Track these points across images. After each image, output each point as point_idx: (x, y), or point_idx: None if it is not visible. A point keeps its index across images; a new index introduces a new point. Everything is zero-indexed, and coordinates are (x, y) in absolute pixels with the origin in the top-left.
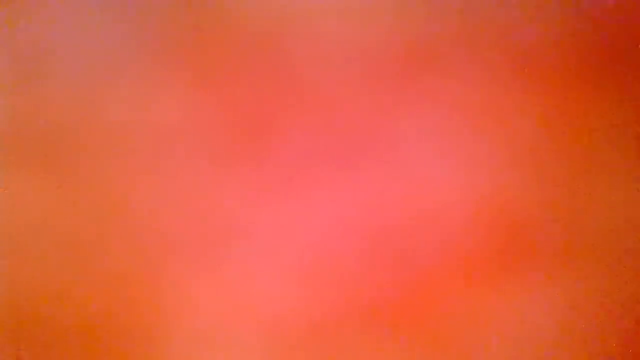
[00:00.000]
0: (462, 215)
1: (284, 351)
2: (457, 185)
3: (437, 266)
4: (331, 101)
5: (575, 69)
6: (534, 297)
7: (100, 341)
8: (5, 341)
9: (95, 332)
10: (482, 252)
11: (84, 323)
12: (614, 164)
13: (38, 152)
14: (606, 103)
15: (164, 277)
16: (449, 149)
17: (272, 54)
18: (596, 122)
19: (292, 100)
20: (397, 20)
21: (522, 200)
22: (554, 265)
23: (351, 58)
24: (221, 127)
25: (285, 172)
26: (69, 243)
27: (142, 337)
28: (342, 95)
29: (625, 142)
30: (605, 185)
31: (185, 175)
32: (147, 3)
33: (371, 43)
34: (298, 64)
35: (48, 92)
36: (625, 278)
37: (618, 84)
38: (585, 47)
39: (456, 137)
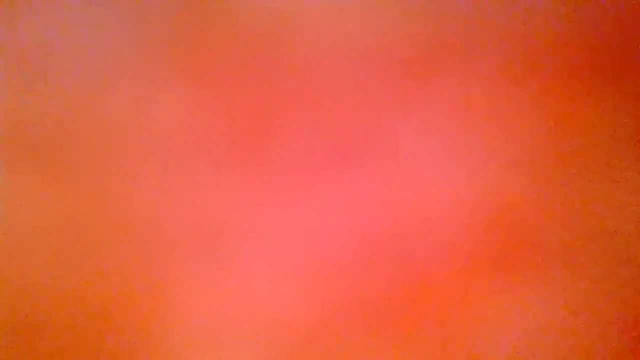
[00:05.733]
0: (463, 216)
1: (284, 351)
2: (457, 186)
3: (437, 267)
4: (332, 102)
5: (575, 70)
6: (534, 297)
7: (100, 341)
8: (5, 341)
9: (95, 332)
10: (482, 253)
11: (84, 323)
12: (614, 164)
13: (38, 152)
14: (606, 104)
15: (163, 278)
16: (450, 150)
17: (272, 54)
18: (596, 122)
19: (292, 101)
20: (398, 21)
21: (522, 201)
22: (554, 265)
23: (352, 59)
24: (221, 128)
25: (285, 173)
26: (68, 243)
27: (142, 337)
28: (343, 96)
29: (625, 142)
30: (605, 185)
31: (185, 176)
32: (148, 4)
33: (372, 44)
34: (299, 64)
35: (48, 93)
36: (625, 278)
37: (618, 84)
38: (585, 48)
39: (456, 138)
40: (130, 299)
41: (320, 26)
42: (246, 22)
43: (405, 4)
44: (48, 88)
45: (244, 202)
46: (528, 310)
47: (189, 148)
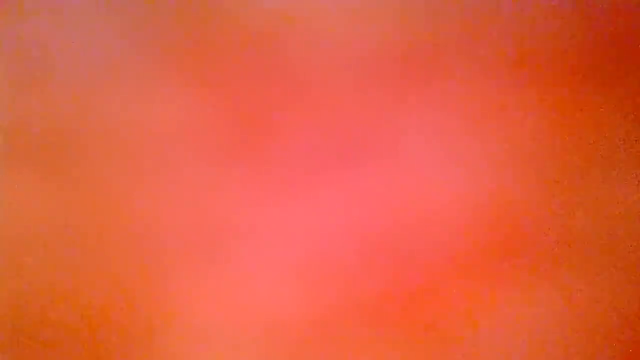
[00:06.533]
0: (463, 216)
1: (284, 351)
2: (457, 186)
3: (437, 267)
4: (332, 102)
5: (575, 70)
6: (534, 297)
7: (100, 341)
8: (5, 341)
9: (95, 332)
10: (483, 253)
11: (84, 323)
12: (614, 165)
13: (38, 152)
14: (606, 104)
15: (163, 278)
16: (450, 150)
17: (273, 54)
18: (596, 123)
19: (293, 101)
20: (398, 21)
21: (522, 201)
22: (554, 266)
23: (352, 59)
24: (221, 128)
25: (285, 173)
26: (68, 243)
27: (142, 337)
28: (343, 96)
29: (626, 142)
30: (605, 186)
31: (186, 175)
32: (148, 4)
33: (372, 44)
34: (299, 64)
35: (49, 93)
36: (625, 279)
37: (618, 84)
38: (585, 48)
39: (457, 138)
40: (130, 299)
41: (320, 26)
42: (246, 22)
43: (405, 4)
44: (48, 88)
45: (244, 202)
46: (528, 310)
47: (189, 148)
